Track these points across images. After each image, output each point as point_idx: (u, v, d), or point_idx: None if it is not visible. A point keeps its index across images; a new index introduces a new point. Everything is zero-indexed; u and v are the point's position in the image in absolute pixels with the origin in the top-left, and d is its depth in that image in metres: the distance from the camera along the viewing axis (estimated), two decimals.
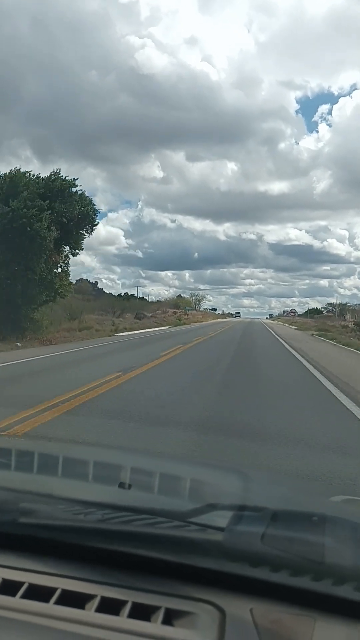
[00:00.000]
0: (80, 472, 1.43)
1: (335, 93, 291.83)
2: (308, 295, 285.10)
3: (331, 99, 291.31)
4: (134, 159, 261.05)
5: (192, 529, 0.85)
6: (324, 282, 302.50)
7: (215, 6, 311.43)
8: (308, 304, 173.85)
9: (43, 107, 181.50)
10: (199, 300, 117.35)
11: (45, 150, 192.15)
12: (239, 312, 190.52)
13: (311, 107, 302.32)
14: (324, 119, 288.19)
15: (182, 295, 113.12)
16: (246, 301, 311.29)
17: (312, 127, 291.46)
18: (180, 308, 78.81)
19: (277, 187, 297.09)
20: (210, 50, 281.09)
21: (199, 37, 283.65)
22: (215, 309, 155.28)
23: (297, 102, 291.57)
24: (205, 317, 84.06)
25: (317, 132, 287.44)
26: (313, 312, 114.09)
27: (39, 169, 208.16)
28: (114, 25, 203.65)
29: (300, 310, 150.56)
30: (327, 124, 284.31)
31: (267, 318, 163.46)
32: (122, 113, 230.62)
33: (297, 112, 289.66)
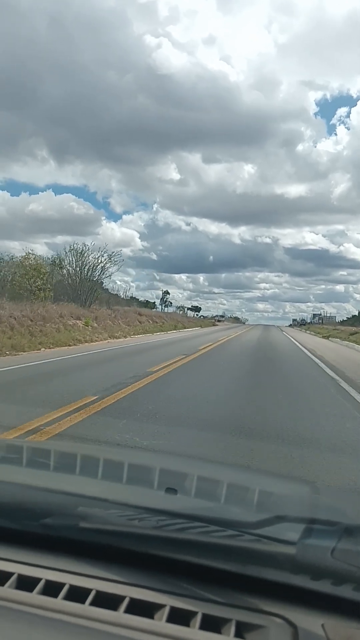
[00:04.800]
0: (134, 476, 1.39)
1: (354, 96, 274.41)
2: (323, 300, 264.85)
3: (350, 101, 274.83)
4: (150, 160, 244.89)
5: (259, 540, 0.83)
6: (339, 288, 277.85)
7: (235, 6, 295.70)
8: (323, 309, 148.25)
9: (60, 107, 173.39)
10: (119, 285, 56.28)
11: (62, 151, 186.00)
12: (222, 315, 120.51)
13: (329, 109, 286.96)
14: (342, 122, 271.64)
15: None
16: (260, 305, 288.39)
17: (331, 130, 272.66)
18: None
19: (295, 190, 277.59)
20: (229, 50, 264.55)
21: (217, 37, 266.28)
22: (199, 309, 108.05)
23: (316, 104, 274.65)
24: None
25: (336, 134, 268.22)
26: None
27: (55, 170, 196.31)
28: (132, 24, 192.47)
29: (307, 317, 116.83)
30: (346, 127, 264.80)
31: (290, 325, 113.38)
32: (139, 114, 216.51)
33: (315, 114, 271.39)
